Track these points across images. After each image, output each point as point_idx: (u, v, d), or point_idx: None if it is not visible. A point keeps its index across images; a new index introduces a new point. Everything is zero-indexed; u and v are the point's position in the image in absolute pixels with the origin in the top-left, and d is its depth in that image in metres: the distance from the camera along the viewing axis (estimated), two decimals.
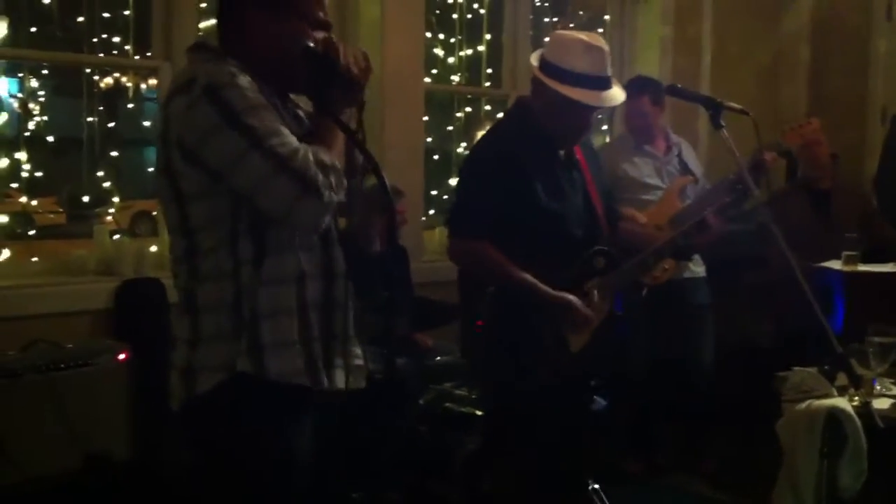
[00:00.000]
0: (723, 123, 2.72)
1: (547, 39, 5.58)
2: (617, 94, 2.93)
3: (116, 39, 4.26)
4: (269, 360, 1.94)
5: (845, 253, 4.26)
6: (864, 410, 2.58)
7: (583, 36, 2.90)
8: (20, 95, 4.34)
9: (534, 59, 3.01)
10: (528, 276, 2.87)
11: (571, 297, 2.90)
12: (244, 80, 1.88)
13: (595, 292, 2.98)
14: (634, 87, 4.38)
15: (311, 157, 1.85)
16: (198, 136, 1.84)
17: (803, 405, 2.66)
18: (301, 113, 2.12)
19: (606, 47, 2.90)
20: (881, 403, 2.75)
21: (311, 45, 1.97)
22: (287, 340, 1.96)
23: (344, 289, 2.08)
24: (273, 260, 1.94)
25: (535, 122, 2.98)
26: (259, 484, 1.97)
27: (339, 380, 2.05)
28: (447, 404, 3.74)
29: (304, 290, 1.98)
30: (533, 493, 3.02)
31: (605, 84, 2.89)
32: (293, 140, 1.86)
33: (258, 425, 1.96)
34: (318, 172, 1.84)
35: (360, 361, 2.12)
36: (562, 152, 3.03)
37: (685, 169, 4.45)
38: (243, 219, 1.91)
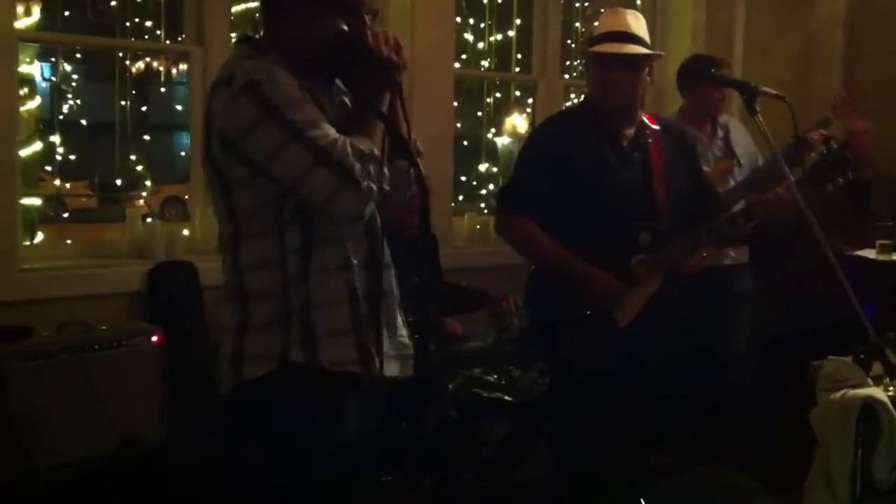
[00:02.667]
0: (757, 108, 2.70)
1: (578, 26, 5.61)
2: (631, 47, 2.99)
3: (149, 24, 4.27)
4: (323, 350, 1.96)
5: (879, 242, 4.22)
6: None
7: (619, 7, 3.10)
8: (54, 79, 4.37)
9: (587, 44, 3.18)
10: (564, 251, 2.94)
11: (601, 271, 2.92)
12: (283, 75, 1.91)
13: (641, 269, 2.99)
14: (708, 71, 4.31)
15: (348, 147, 1.87)
16: (238, 130, 1.88)
17: (838, 395, 2.64)
18: (347, 100, 2.12)
19: (635, 12, 3.08)
20: None
21: (342, 27, 1.98)
22: (340, 329, 1.98)
23: (390, 278, 2.11)
24: (320, 250, 1.97)
25: (592, 107, 3.10)
26: (306, 469, 1.99)
27: (391, 368, 2.08)
28: (476, 390, 3.74)
29: (353, 280, 2.00)
30: (577, 486, 3.03)
31: (623, 37, 2.98)
32: (332, 131, 1.88)
33: (308, 412, 1.98)
34: (355, 162, 1.86)
35: (408, 350, 2.15)
36: (629, 133, 3.04)
37: (729, 152, 4.37)
38: (288, 208, 1.94)
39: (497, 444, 3.66)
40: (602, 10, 5.38)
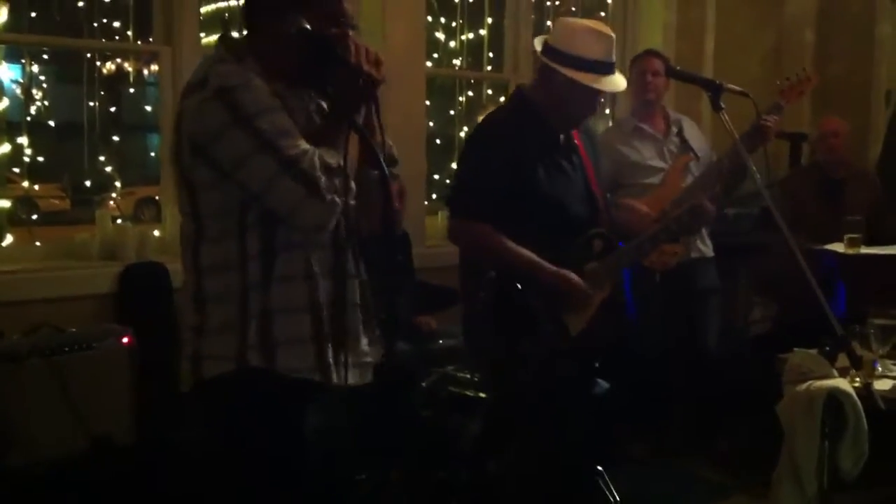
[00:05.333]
0: (723, 105, 2.72)
1: (550, 25, 5.62)
2: (620, 81, 2.97)
3: (117, 24, 4.24)
4: (281, 356, 1.98)
5: (847, 236, 4.26)
6: (866, 392, 2.59)
7: (590, 23, 2.95)
8: (21, 81, 4.33)
9: (537, 45, 3.03)
10: (528, 254, 2.91)
11: (570, 273, 2.92)
12: (257, 81, 1.92)
13: (594, 276, 3.00)
14: (646, 52, 4.49)
15: (316, 160, 1.88)
16: (208, 135, 1.89)
17: (803, 387, 2.67)
18: (323, 104, 2.13)
19: (612, 34, 2.95)
20: (882, 385, 2.77)
21: (307, 26, 1.98)
22: (300, 337, 2.00)
23: (355, 288, 2.11)
24: (283, 257, 1.98)
25: (535, 109, 3.03)
26: (261, 470, 2.01)
27: (349, 376, 2.08)
28: (450, 387, 3.74)
29: (316, 289, 2.01)
30: (537, 478, 3.04)
31: (609, 69, 2.93)
32: (301, 142, 1.90)
33: (264, 416, 1.99)
34: (321, 175, 1.87)
35: (368, 359, 2.15)
36: (562, 137, 3.04)
37: (686, 147, 4.42)
38: (252, 214, 1.95)
39: (471, 441, 3.66)
40: (573, 10, 5.45)
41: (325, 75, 2.01)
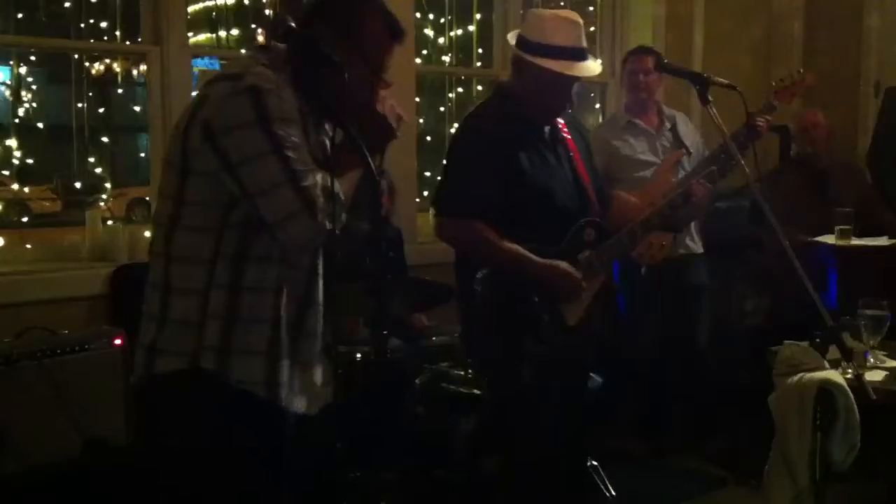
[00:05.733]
0: (710, 99, 2.72)
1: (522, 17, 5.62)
2: (593, 66, 2.98)
3: (104, 25, 4.23)
4: (234, 364, 1.97)
5: (838, 227, 4.28)
6: (857, 383, 2.59)
7: (558, 11, 3.00)
8: (9, 83, 4.32)
9: (511, 39, 3.05)
10: (517, 248, 2.90)
11: (562, 262, 2.92)
12: (288, 93, 1.95)
13: (588, 266, 3.00)
14: (638, 50, 4.52)
15: (320, 181, 1.90)
16: (226, 124, 1.90)
17: (794, 379, 2.67)
18: (327, 141, 2.15)
19: (580, 20, 2.96)
20: (874, 376, 2.77)
21: (292, 24, 2.01)
22: (255, 349, 1.99)
23: (318, 319, 2.11)
24: (256, 266, 1.98)
25: (516, 103, 3.03)
26: (201, 473, 2.00)
27: (297, 403, 2.08)
28: (443, 384, 3.74)
29: (280, 305, 2.01)
30: (533, 474, 3.04)
31: (581, 55, 2.94)
32: (310, 161, 1.92)
33: (208, 419, 1.99)
34: (320, 196, 1.89)
35: (318, 390, 2.15)
36: (546, 129, 3.05)
37: (679, 143, 4.44)
38: (236, 213, 1.95)
39: (465, 439, 3.67)
40: (562, 4, 5.45)
41: (313, 77, 2.02)
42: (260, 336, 1.99)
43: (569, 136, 3.10)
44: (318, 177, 1.91)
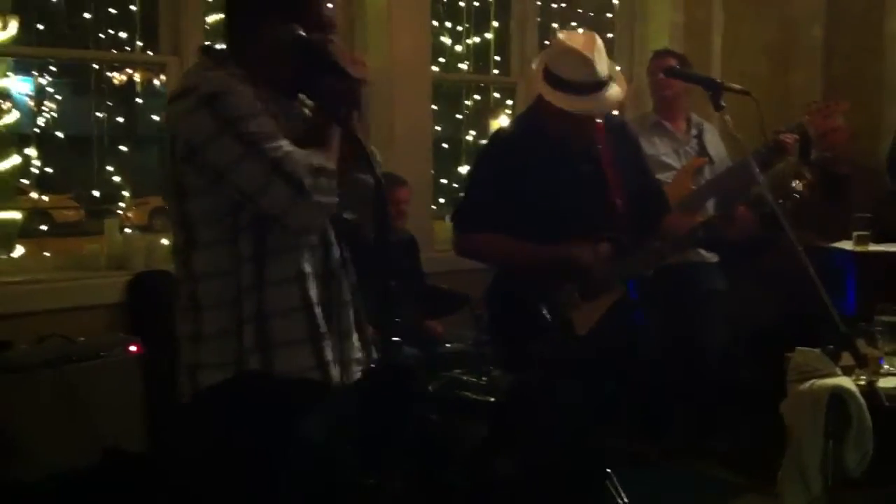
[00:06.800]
0: (723, 105, 2.71)
1: (556, 27, 5.63)
2: (611, 96, 2.93)
3: (123, 35, 4.28)
4: (279, 358, 1.99)
5: (856, 233, 4.25)
6: (870, 389, 2.57)
7: (576, 44, 2.91)
8: (31, 93, 4.38)
9: (535, 64, 3.06)
10: (529, 245, 2.93)
11: (570, 246, 2.92)
12: (242, 87, 1.94)
13: (602, 279, 2.99)
14: (660, 52, 4.52)
15: (302, 160, 1.90)
16: (197, 141, 1.91)
17: (806, 385, 2.65)
18: (307, 112, 2.15)
19: (597, 54, 2.89)
20: (888, 382, 2.75)
21: (302, 34, 1.99)
22: (296, 338, 2.01)
23: (342, 286, 2.12)
24: (275, 259, 1.99)
25: (545, 120, 3.03)
26: (264, 477, 2.01)
27: (346, 373, 2.10)
28: (456, 391, 3.75)
29: (308, 289, 2.02)
30: (545, 482, 3.03)
31: (598, 87, 2.90)
32: (284, 143, 1.92)
33: (267, 419, 2.00)
34: (307, 175, 1.90)
35: (359, 355, 2.17)
36: (576, 144, 3.04)
37: (703, 151, 4.43)
38: (243, 218, 1.96)
39: (478, 445, 3.67)
40: (580, 11, 5.44)
41: (316, 81, 2.03)
42: (297, 324, 2.01)
43: (608, 148, 3.07)
44: (297, 156, 1.91)
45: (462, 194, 3.26)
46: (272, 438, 2.01)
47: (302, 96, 2.15)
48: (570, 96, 2.89)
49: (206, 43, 2.17)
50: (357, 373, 2.16)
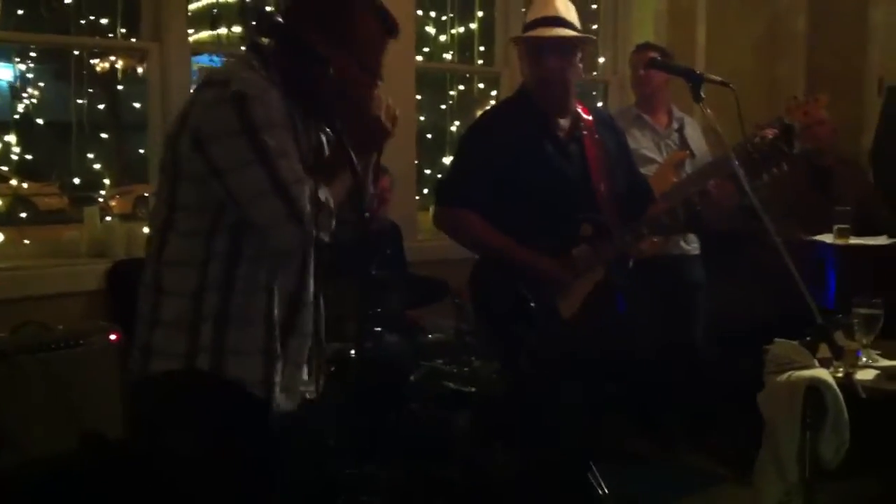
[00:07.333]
0: (703, 96, 2.71)
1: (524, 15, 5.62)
2: (566, 31, 3.03)
3: (105, 21, 4.24)
4: (229, 365, 1.98)
5: (837, 226, 4.26)
6: (847, 381, 2.59)
7: None
8: (9, 80, 4.34)
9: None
10: (505, 239, 2.97)
11: (543, 257, 2.94)
12: (275, 97, 1.94)
13: (582, 260, 3.01)
14: (640, 46, 4.57)
15: (308, 189, 1.89)
16: (213, 133, 1.90)
17: (784, 377, 2.67)
18: (324, 139, 2.15)
19: (561, 3, 3.06)
20: (865, 374, 2.77)
21: (279, 20, 1.99)
22: (250, 349, 2.00)
23: (308, 318, 2.11)
24: (248, 266, 1.98)
25: (528, 98, 3.11)
26: (197, 473, 2.00)
27: (285, 401, 2.08)
28: (439, 381, 3.75)
29: (272, 305, 2.02)
30: (534, 474, 3.05)
31: (556, 23, 3.02)
32: (299, 168, 1.91)
33: (205, 419, 1.99)
34: (308, 206, 1.88)
35: (302, 388, 2.15)
36: (563, 126, 3.06)
37: (685, 145, 4.44)
38: (227, 217, 1.95)
39: (460, 435, 3.67)
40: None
41: (346, 118, 2.02)
42: (254, 336, 2.00)
43: (594, 136, 3.11)
44: (308, 185, 1.90)
45: (445, 171, 3.31)
46: (206, 436, 1.99)
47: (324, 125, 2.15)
48: (534, 31, 3.03)
49: (261, 40, 2.12)
50: (296, 403, 2.14)
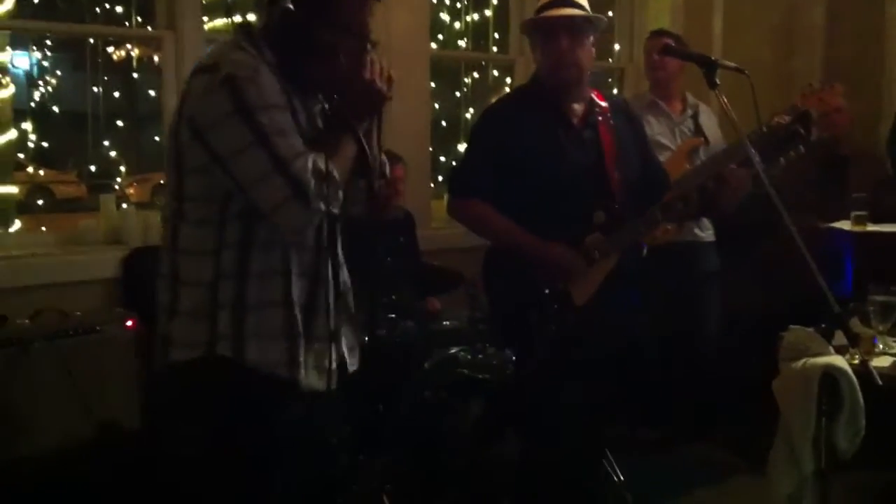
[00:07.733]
0: (718, 82, 2.69)
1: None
2: (575, 10, 3.02)
3: (120, 10, 4.26)
4: (250, 350, 1.98)
5: (854, 213, 4.24)
6: (863, 369, 2.57)
7: None
8: (26, 68, 4.36)
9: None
10: (517, 229, 2.96)
11: (555, 246, 2.93)
12: (267, 76, 1.92)
13: (596, 248, 3.00)
14: (655, 32, 4.55)
15: (310, 163, 1.88)
16: (208, 120, 1.89)
17: (798, 364, 2.65)
18: (323, 111, 2.13)
19: None
20: (882, 362, 2.75)
21: (290, 6, 1.96)
22: (271, 333, 2.00)
23: (329, 293, 2.10)
24: (261, 251, 1.98)
25: (542, 86, 3.09)
26: (221, 459, 2.01)
27: (314, 380, 2.08)
28: (452, 369, 3.75)
29: (290, 287, 2.02)
30: (546, 462, 3.05)
31: (565, 4, 3.01)
32: (298, 143, 1.91)
33: (229, 405, 2.00)
34: (312, 180, 1.87)
35: (335, 365, 2.13)
36: (576, 112, 3.05)
37: (699, 132, 4.41)
38: (235, 204, 1.95)
39: (473, 423, 3.68)
40: None
41: (342, 86, 2.01)
42: (274, 319, 2.00)
43: (609, 122, 3.09)
44: (310, 160, 1.89)
45: (458, 161, 3.32)
46: (234, 426, 2.00)
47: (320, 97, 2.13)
48: (542, 13, 3.02)
49: (246, 18, 2.12)
50: (332, 382, 2.12)
